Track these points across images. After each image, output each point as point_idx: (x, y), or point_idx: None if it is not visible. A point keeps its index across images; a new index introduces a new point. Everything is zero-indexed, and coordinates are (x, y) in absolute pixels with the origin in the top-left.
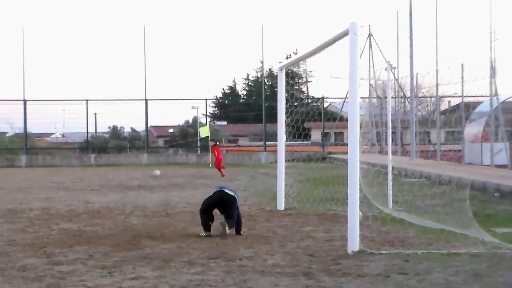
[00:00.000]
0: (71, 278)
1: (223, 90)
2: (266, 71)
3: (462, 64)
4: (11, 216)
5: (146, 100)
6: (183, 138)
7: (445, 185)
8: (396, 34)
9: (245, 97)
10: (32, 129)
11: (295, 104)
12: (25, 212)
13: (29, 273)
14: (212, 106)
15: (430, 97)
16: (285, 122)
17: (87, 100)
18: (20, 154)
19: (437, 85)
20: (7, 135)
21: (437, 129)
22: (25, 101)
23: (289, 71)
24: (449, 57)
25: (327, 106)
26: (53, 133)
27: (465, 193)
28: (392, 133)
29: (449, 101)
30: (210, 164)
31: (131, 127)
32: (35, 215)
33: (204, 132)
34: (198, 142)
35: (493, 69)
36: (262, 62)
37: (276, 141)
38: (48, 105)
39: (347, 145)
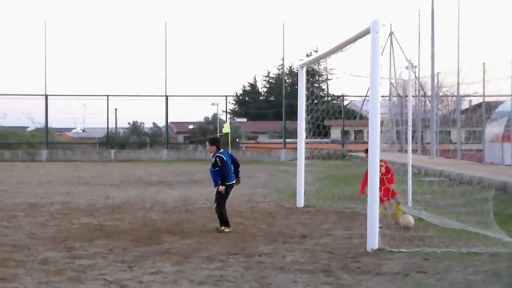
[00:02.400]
0: (91, 272)
1: (244, 87)
2: (287, 69)
3: (484, 64)
4: (32, 210)
5: (167, 96)
6: (203, 134)
7: (466, 185)
8: (418, 33)
9: (265, 94)
10: (53, 124)
11: (315, 101)
12: (46, 206)
13: (49, 266)
14: (232, 103)
15: (451, 96)
16: (305, 119)
17: (108, 96)
18: (41, 149)
19: (458, 84)
20: (28, 129)
21: (457, 128)
22: (46, 96)
23: (309, 69)
24: (470, 57)
25: (347, 104)
26: (74, 128)
27: (490, 193)
28: (412, 132)
29: (470, 101)
30: None
31: (153, 123)
32: (56, 209)
33: (226, 128)
34: None
35: None
36: (282, 60)
37: (296, 138)
38: (69, 100)
39: (367, 143)
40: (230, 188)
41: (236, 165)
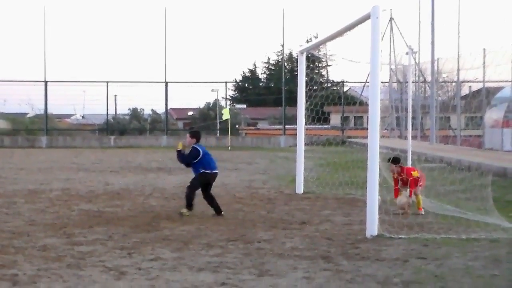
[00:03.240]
0: (91, 258)
1: (243, 73)
2: (286, 55)
3: (484, 49)
4: (31, 196)
5: (166, 83)
6: (203, 120)
7: (465, 171)
8: (418, 18)
9: (265, 81)
10: (52, 110)
11: (315, 88)
12: (45, 192)
13: (49, 253)
14: (232, 89)
15: (451, 82)
16: (305, 105)
17: (107, 82)
18: (40, 135)
19: (458, 70)
20: (28, 116)
21: (457, 114)
22: (46, 82)
23: (309, 55)
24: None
25: (347, 90)
26: (73, 115)
27: (488, 179)
28: (412, 118)
29: (470, 86)
30: (230, 147)
31: (152, 109)
32: (55, 196)
33: (225, 114)
34: (218, 125)
35: None
36: (282, 46)
37: (296, 124)
38: (69, 86)
39: (367, 129)
40: (211, 177)
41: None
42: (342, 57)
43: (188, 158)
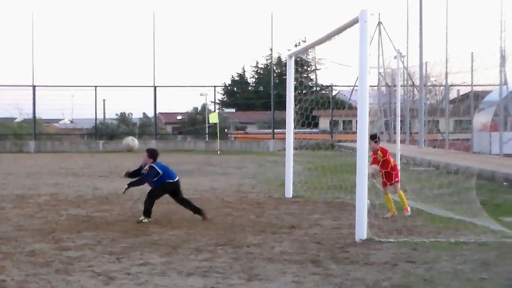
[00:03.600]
0: (79, 263)
1: (232, 77)
2: (275, 59)
3: (472, 53)
4: (19, 201)
5: (155, 87)
6: (192, 125)
7: (453, 174)
8: (406, 22)
9: (253, 85)
10: (41, 114)
11: (304, 92)
12: (33, 197)
13: (37, 258)
14: (221, 93)
15: (439, 86)
16: (294, 109)
17: (95, 87)
18: (28, 140)
19: (446, 74)
20: (16, 120)
21: (446, 118)
22: (34, 87)
23: (298, 59)
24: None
25: (335, 94)
26: (62, 119)
27: (472, 182)
28: (400, 121)
29: (458, 90)
30: (218, 151)
31: (143, 113)
32: (44, 201)
33: (213, 118)
34: (207, 129)
35: (503, 58)
36: (271, 50)
37: (285, 128)
38: (57, 91)
39: (356, 133)
40: (175, 185)
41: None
42: (333, 61)
43: (148, 179)
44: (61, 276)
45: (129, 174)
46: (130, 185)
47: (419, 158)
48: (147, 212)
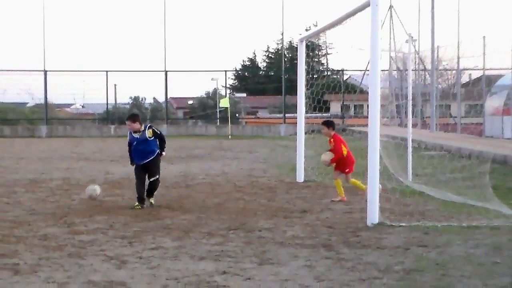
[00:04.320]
0: (92, 247)
1: (243, 62)
2: (286, 43)
3: (484, 37)
4: (32, 185)
5: (166, 72)
6: (203, 109)
7: (465, 159)
8: (418, 6)
9: (265, 69)
10: (52, 99)
11: (315, 76)
12: (45, 182)
13: (50, 242)
14: (232, 78)
15: (451, 70)
16: (305, 94)
17: (107, 71)
18: (40, 125)
19: (458, 57)
20: (28, 105)
21: (457, 102)
22: (45, 72)
23: (309, 43)
24: (471, 30)
25: (346, 79)
26: (73, 104)
27: (486, 167)
28: (412, 106)
29: (470, 74)
30: (230, 136)
31: (153, 98)
32: (56, 185)
33: (224, 103)
34: (218, 113)
35: None
36: (282, 34)
37: (296, 113)
38: (69, 75)
39: (367, 117)
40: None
41: (162, 140)
42: (342, 45)
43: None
44: (73, 260)
45: (132, 160)
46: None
47: (431, 142)
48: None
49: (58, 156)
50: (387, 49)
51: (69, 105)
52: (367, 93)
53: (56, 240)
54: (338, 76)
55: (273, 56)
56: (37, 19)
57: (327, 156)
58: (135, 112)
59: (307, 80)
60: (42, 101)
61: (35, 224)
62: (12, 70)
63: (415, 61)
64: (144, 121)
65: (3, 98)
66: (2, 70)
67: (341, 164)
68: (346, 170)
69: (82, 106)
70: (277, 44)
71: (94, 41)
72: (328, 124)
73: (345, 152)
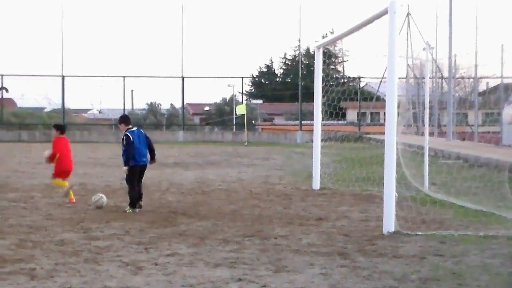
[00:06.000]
0: (108, 253)
1: (260, 68)
2: (303, 50)
3: (502, 45)
4: (49, 191)
5: (183, 78)
6: (219, 116)
7: (483, 167)
8: (435, 13)
9: (281, 76)
10: (70, 104)
11: (331, 83)
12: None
13: (66, 247)
14: (248, 85)
15: (468, 78)
16: (321, 101)
17: (124, 77)
18: None
19: (475, 65)
20: (45, 110)
21: (475, 110)
22: (63, 77)
23: (326, 50)
24: (488, 38)
25: (363, 86)
26: (90, 109)
27: (504, 176)
28: (429, 114)
29: (488, 82)
30: (246, 143)
31: (170, 104)
32: (73, 191)
33: (240, 109)
34: (234, 120)
35: None
36: (299, 41)
37: (312, 120)
38: (86, 81)
39: (383, 125)
40: (136, 169)
41: (150, 147)
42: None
43: (126, 156)
44: (89, 265)
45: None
46: (124, 165)
47: (447, 150)
48: (132, 203)
49: (75, 161)
50: (404, 57)
51: (86, 111)
52: (384, 100)
53: (72, 245)
54: (355, 84)
55: (290, 63)
56: (56, 24)
57: (46, 153)
58: (122, 114)
59: (323, 87)
60: (60, 106)
61: (51, 229)
62: (30, 75)
63: (432, 69)
64: (160, 127)
65: (21, 103)
66: (20, 75)
67: (55, 165)
68: (53, 173)
69: (99, 112)
70: (294, 51)
71: (111, 46)
72: (57, 127)
73: (56, 157)
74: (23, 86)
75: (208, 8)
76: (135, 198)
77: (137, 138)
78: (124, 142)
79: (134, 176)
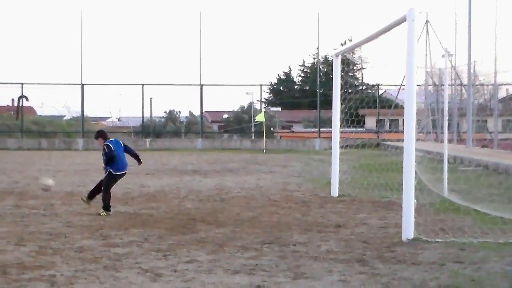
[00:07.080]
0: (127, 260)
1: (278, 76)
2: (322, 58)
3: None
4: (68, 198)
5: (201, 85)
6: (238, 123)
7: (503, 174)
8: (454, 20)
9: (300, 83)
10: (89, 113)
11: (350, 90)
12: (82, 194)
13: (86, 254)
14: (267, 92)
15: (488, 85)
16: (340, 108)
17: (143, 85)
18: (77, 138)
19: (495, 72)
20: (65, 118)
21: (494, 117)
22: (82, 85)
23: (344, 58)
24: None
25: (382, 93)
26: (109, 117)
27: None
28: (448, 121)
29: (507, 89)
30: (264, 150)
31: (189, 111)
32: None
33: (259, 118)
34: (252, 127)
35: None
36: (317, 49)
37: (330, 127)
38: (105, 89)
39: (402, 132)
40: (119, 177)
41: (131, 152)
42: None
43: (107, 163)
44: (109, 272)
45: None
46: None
47: (467, 157)
48: (106, 207)
49: (94, 169)
50: (423, 64)
51: (105, 118)
52: (403, 108)
53: (92, 252)
54: (373, 91)
55: (308, 71)
56: (75, 33)
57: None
58: (99, 130)
59: (342, 95)
60: (79, 114)
61: (71, 236)
62: (50, 84)
63: (452, 76)
64: (178, 135)
65: (41, 111)
66: (40, 84)
67: None
68: None
69: (118, 119)
70: (313, 58)
71: (130, 55)
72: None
73: None
74: (43, 94)
75: (226, 16)
76: (109, 202)
77: (117, 148)
78: (106, 150)
79: (114, 183)
